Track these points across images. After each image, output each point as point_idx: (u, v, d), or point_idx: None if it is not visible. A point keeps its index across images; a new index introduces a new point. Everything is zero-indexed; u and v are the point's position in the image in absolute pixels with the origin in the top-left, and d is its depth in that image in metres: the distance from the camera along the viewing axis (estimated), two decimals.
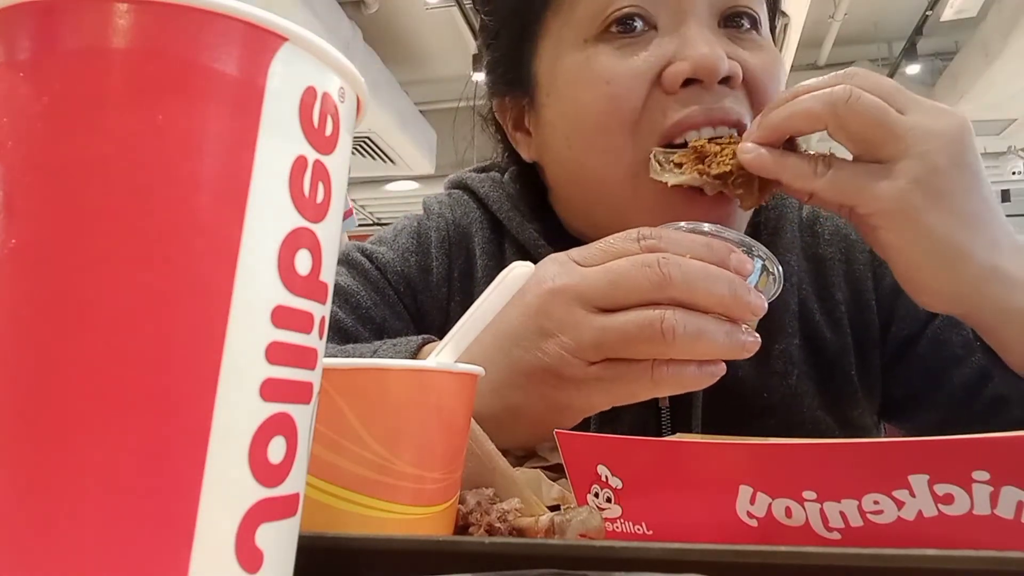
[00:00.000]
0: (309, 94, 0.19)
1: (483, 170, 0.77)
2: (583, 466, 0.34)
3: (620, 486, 0.33)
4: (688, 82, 0.55)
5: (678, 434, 0.40)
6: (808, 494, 0.28)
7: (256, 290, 0.18)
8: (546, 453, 0.48)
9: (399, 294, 0.69)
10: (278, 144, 0.18)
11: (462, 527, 0.34)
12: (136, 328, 0.16)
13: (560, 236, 0.68)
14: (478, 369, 0.34)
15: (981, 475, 0.26)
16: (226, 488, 0.17)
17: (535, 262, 0.44)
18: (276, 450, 0.18)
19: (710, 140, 0.54)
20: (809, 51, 4.34)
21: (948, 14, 3.82)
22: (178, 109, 0.17)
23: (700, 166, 0.53)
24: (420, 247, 0.71)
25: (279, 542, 0.19)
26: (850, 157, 0.49)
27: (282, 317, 0.18)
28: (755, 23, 0.60)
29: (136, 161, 0.17)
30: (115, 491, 0.16)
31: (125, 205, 0.17)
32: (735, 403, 0.61)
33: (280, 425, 0.18)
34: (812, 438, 0.63)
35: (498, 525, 0.33)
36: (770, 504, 0.29)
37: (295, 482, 0.19)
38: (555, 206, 0.69)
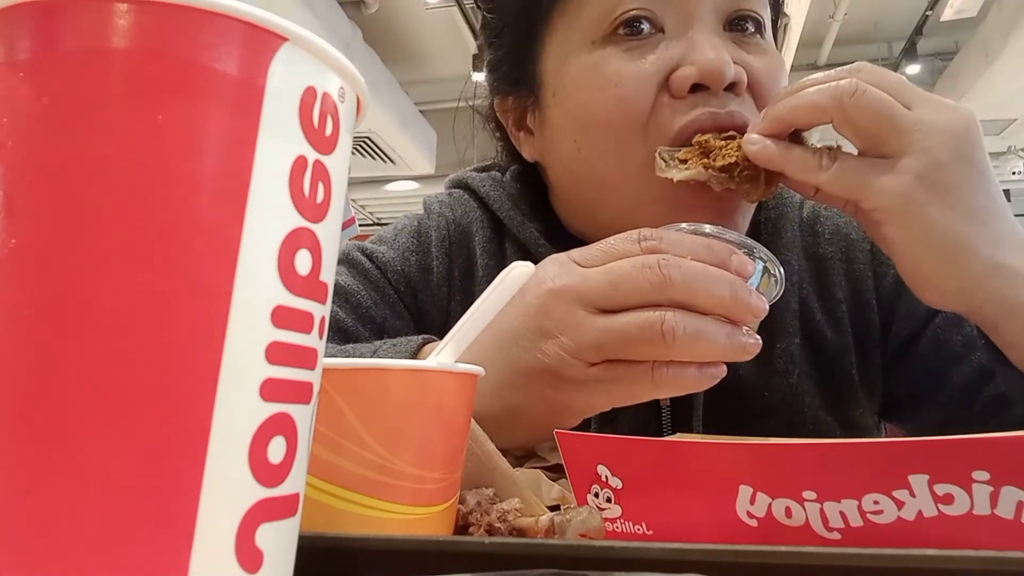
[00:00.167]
0: (309, 94, 0.19)
1: (484, 170, 0.77)
2: (583, 466, 0.34)
3: (620, 486, 0.33)
4: (695, 87, 0.55)
5: (678, 434, 0.40)
6: (808, 494, 0.28)
7: (256, 290, 0.18)
8: (546, 453, 0.48)
9: (399, 293, 0.69)
10: (278, 144, 0.18)
11: (462, 527, 0.34)
12: (136, 328, 0.16)
13: (560, 235, 0.68)
14: (478, 369, 0.34)
15: (981, 475, 0.26)
16: (226, 488, 0.17)
17: (535, 261, 0.44)
18: (276, 450, 0.18)
19: (714, 136, 0.54)
20: (809, 51, 4.34)
21: (948, 14, 3.82)
22: (178, 109, 0.17)
23: (705, 160, 0.53)
24: (420, 246, 0.71)
25: (279, 542, 0.19)
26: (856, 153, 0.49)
27: (282, 317, 0.18)
28: (759, 26, 0.60)
29: (136, 161, 0.17)
30: (115, 491, 0.16)
31: (125, 205, 0.17)
32: (736, 403, 0.61)
33: (280, 425, 0.18)
34: (813, 438, 0.63)
35: (498, 525, 0.33)
36: (770, 504, 0.29)
37: (295, 482, 0.19)
38: (556, 205, 0.69)
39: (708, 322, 0.43)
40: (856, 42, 4.54)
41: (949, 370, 0.63)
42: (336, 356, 0.51)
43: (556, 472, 0.44)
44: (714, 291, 0.43)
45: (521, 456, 0.49)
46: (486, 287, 0.37)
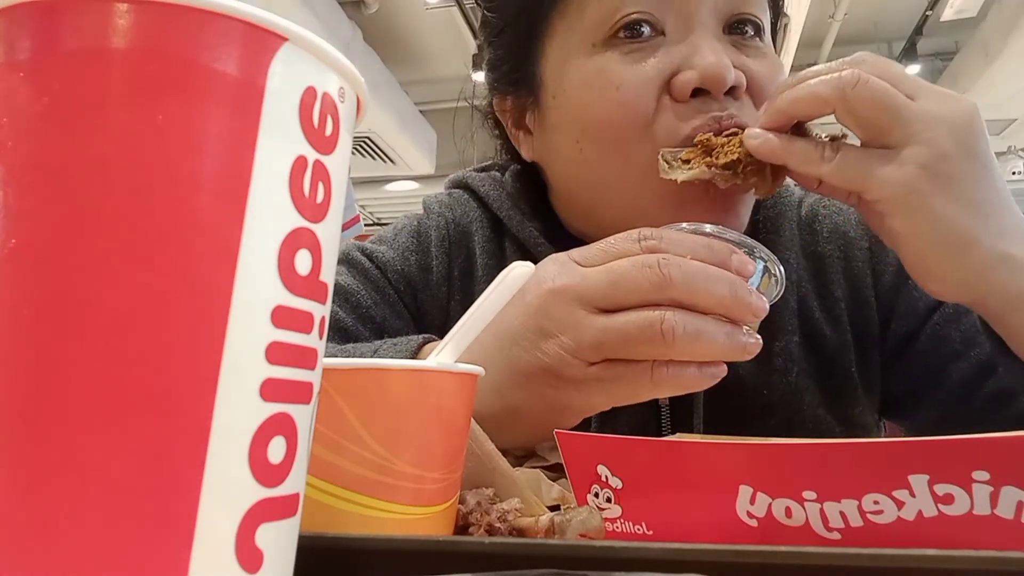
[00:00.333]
0: (309, 94, 0.19)
1: (484, 170, 0.77)
2: (583, 466, 0.34)
3: (620, 486, 0.33)
4: (696, 91, 0.56)
5: (678, 434, 0.40)
6: (808, 494, 0.28)
7: (256, 290, 0.18)
8: (546, 453, 0.48)
9: (399, 293, 0.69)
10: (278, 144, 0.18)
11: (462, 527, 0.34)
12: (136, 328, 0.16)
13: (560, 235, 0.68)
14: (478, 369, 0.34)
15: (981, 475, 0.26)
16: (226, 488, 0.17)
17: (535, 261, 0.44)
18: (276, 450, 0.18)
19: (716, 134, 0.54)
20: (809, 51, 4.34)
21: (948, 14, 3.81)
22: (178, 109, 0.17)
23: (708, 159, 0.53)
24: (420, 246, 0.71)
25: (279, 542, 0.19)
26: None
27: (282, 317, 0.18)
28: (759, 30, 0.60)
29: (136, 161, 0.17)
30: (115, 491, 0.16)
31: (125, 205, 0.17)
32: (735, 401, 0.61)
33: (280, 425, 0.18)
34: (813, 436, 0.63)
35: (498, 525, 0.33)
36: (770, 504, 0.29)
37: (295, 482, 0.19)
38: (555, 205, 0.70)
39: (708, 322, 0.43)
40: (856, 42, 4.54)
41: (948, 367, 0.63)
42: (336, 356, 0.51)
43: (556, 472, 0.44)
44: (714, 290, 0.43)
45: (521, 456, 0.49)
46: (486, 287, 0.37)
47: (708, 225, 0.49)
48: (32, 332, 0.16)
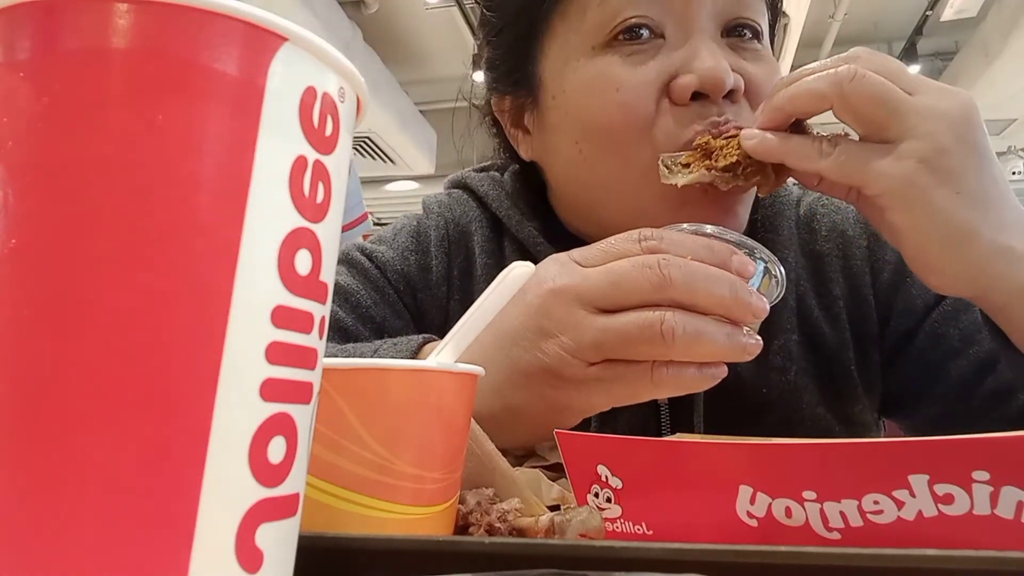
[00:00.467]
0: (309, 94, 0.19)
1: (483, 170, 0.77)
2: (583, 466, 0.34)
3: (620, 486, 0.33)
4: (695, 95, 0.56)
5: (678, 434, 0.40)
6: (808, 494, 0.28)
7: (256, 290, 0.18)
8: (545, 453, 0.48)
9: (399, 293, 0.70)
10: (278, 144, 0.18)
11: (462, 527, 0.34)
12: (136, 328, 0.16)
13: (559, 234, 0.68)
14: (478, 369, 0.34)
15: (981, 475, 0.26)
16: (226, 488, 0.17)
17: (534, 260, 0.44)
18: (276, 450, 0.18)
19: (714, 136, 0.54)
20: (809, 51, 4.34)
21: (948, 14, 3.81)
22: (178, 109, 0.17)
23: (707, 162, 0.53)
24: (419, 246, 0.71)
25: (279, 542, 0.19)
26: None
27: (282, 317, 0.18)
28: (757, 33, 0.60)
29: (136, 161, 0.17)
30: (115, 491, 0.16)
31: (125, 205, 0.17)
32: (734, 400, 0.61)
33: (280, 425, 0.18)
34: (812, 435, 0.63)
35: (498, 525, 0.33)
36: (770, 504, 0.29)
37: (295, 482, 0.19)
38: (554, 204, 0.70)
39: (708, 322, 0.43)
40: (856, 42, 4.48)
41: (947, 364, 0.63)
42: (336, 356, 0.51)
43: (556, 472, 0.44)
44: (714, 291, 0.43)
45: (521, 456, 0.49)
46: (485, 286, 0.37)
47: (709, 226, 0.49)
48: (32, 332, 0.16)
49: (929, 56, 4.68)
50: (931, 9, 4.10)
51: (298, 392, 0.19)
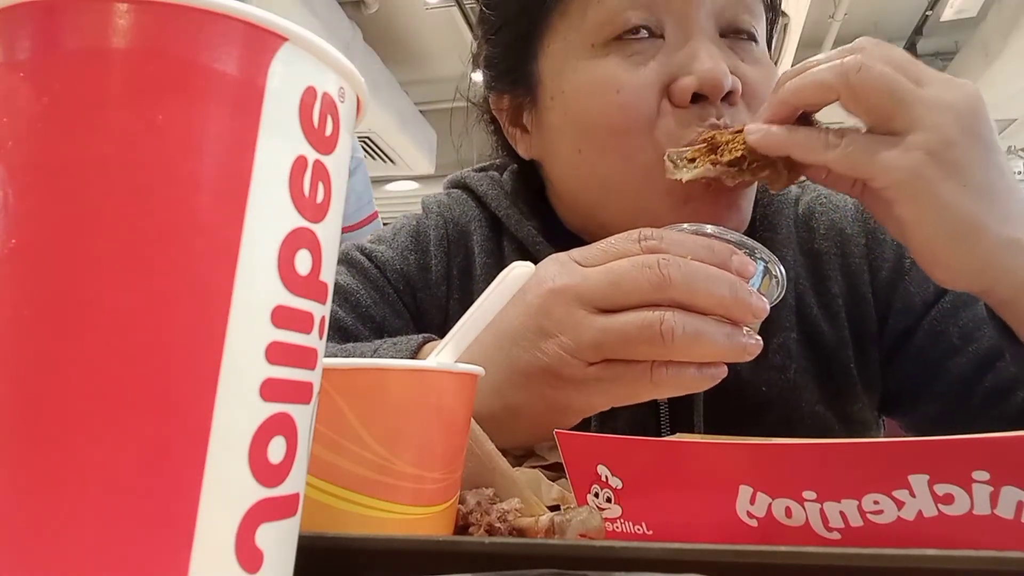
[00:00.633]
0: (309, 94, 0.19)
1: (482, 170, 0.77)
2: (583, 466, 0.34)
3: (620, 486, 0.33)
4: (695, 96, 0.56)
5: (678, 434, 0.40)
6: (808, 494, 0.28)
7: (256, 290, 0.18)
8: (545, 452, 0.48)
9: (398, 292, 0.70)
10: (278, 144, 0.18)
11: (462, 527, 0.34)
12: (136, 328, 0.16)
13: (559, 233, 0.68)
14: (478, 369, 0.34)
15: (981, 475, 0.26)
16: (226, 488, 0.17)
17: (534, 259, 0.44)
18: (276, 450, 0.18)
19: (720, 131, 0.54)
20: (809, 51, 4.33)
21: (948, 14, 3.81)
22: (178, 109, 0.17)
23: (712, 156, 0.53)
24: (419, 246, 0.71)
25: (279, 542, 0.19)
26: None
27: (282, 317, 0.18)
28: (754, 31, 0.61)
29: (136, 161, 0.17)
30: (115, 491, 0.16)
31: (125, 205, 0.17)
32: (733, 399, 0.61)
33: (280, 425, 0.18)
34: (812, 433, 0.63)
35: (498, 525, 0.33)
36: (770, 504, 0.29)
37: (295, 482, 0.19)
38: (554, 203, 0.70)
39: (708, 322, 0.43)
40: None
41: (946, 362, 0.63)
42: (336, 356, 0.51)
43: (556, 472, 0.44)
44: (714, 291, 0.43)
45: (521, 456, 0.49)
46: (485, 286, 0.37)
47: (709, 226, 0.49)
48: (32, 332, 0.16)
49: (929, 56, 4.68)
50: (931, 9, 4.10)
51: (298, 392, 0.19)
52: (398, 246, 0.71)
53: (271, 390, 0.18)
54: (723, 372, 0.45)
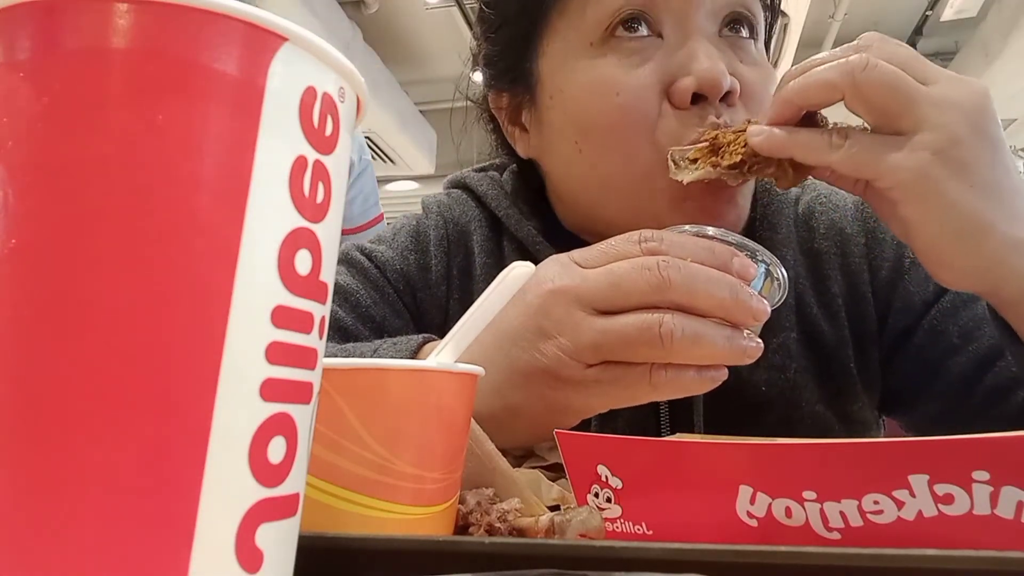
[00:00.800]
0: (309, 94, 0.19)
1: (482, 170, 0.77)
2: (583, 466, 0.34)
3: (620, 486, 0.33)
4: (695, 97, 0.56)
5: (678, 434, 0.40)
6: (808, 494, 0.28)
7: (256, 290, 0.18)
8: (545, 453, 0.48)
9: (398, 292, 0.70)
10: (278, 144, 0.18)
11: (462, 527, 0.34)
12: (136, 328, 0.16)
13: (558, 232, 0.68)
14: (478, 369, 0.34)
15: (981, 475, 0.26)
16: (226, 488, 0.17)
17: (534, 259, 0.44)
18: (276, 450, 0.18)
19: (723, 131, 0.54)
20: (809, 51, 4.32)
21: (948, 14, 3.81)
22: (178, 109, 0.17)
23: (713, 158, 0.52)
24: (419, 246, 0.71)
25: (279, 542, 0.19)
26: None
27: (282, 317, 0.18)
28: (754, 31, 0.60)
29: (136, 161, 0.17)
30: (115, 491, 0.16)
31: (125, 205, 0.17)
32: (734, 398, 0.61)
33: (280, 425, 0.18)
34: (812, 432, 0.63)
35: (498, 525, 0.33)
36: (770, 504, 0.29)
37: (295, 482, 0.19)
38: (553, 202, 0.70)
39: (708, 325, 0.43)
40: None
41: (946, 361, 0.63)
42: (336, 355, 0.51)
43: (556, 472, 0.44)
44: (714, 293, 0.43)
45: (520, 456, 0.49)
46: (484, 286, 0.37)
47: (711, 228, 0.49)
48: (32, 332, 0.16)
49: (929, 56, 4.64)
50: (931, 9, 4.10)
51: (298, 392, 0.19)
52: (398, 246, 0.71)
53: (271, 390, 0.18)
54: (723, 375, 0.45)
